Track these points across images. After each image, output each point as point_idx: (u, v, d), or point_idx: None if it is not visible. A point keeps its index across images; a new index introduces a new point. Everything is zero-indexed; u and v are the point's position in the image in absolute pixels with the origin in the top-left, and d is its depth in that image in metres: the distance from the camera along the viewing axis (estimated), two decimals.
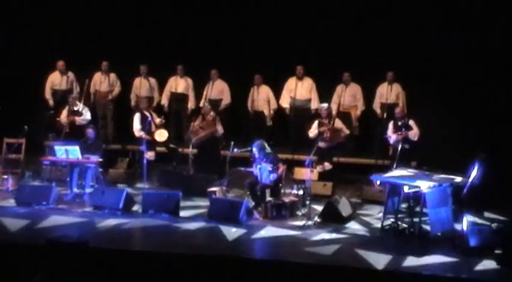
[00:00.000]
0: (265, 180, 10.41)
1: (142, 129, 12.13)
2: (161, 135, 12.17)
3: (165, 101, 13.60)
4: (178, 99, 13.57)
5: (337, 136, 11.68)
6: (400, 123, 11.35)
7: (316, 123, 11.87)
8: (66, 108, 12.54)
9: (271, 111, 13.26)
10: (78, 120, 12.36)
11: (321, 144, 11.46)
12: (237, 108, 13.52)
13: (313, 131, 11.80)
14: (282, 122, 13.41)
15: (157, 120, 12.29)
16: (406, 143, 11.20)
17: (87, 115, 12.46)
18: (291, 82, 13.18)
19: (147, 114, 12.32)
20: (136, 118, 12.28)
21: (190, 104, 13.48)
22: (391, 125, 11.48)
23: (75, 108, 12.45)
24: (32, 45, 13.88)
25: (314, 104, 13.01)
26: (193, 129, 12.09)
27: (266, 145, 10.70)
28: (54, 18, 13.95)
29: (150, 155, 11.84)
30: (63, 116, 12.45)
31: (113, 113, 13.69)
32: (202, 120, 12.21)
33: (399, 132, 11.27)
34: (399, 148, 11.01)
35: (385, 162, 11.65)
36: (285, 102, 13.23)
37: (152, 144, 12.09)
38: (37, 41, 13.88)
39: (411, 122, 11.31)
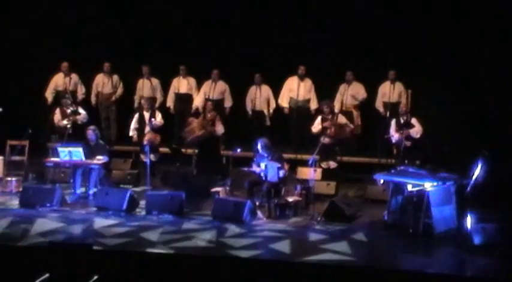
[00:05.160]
0: (272, 178, 10.26)
1: (137, 129, 12.33)
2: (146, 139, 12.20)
3: (170, 103, 13.60)
4: (182, 99, 13.56)
5: (342, 131, 11.66)
6: (402, 120, 11.33)
7: (319, 118, 11.86)
8: (58, 110, 12.60)
9: (270, 111, 13.26)
10: (80, 118, 12.47)
11: (325, 140, 11.43)
12: (238, 107, 13.51)
13: (316, 127, 11.79)
14: (283, 121, 13.38)
15: (158, 118, 12.35)
16: (408, 140, 11.21)
17: (83, 113, 12.57)
18: (292, 81, 13.15)
19: (146, 115, 12.37)
20: (134, 118, 12.50)
21: (194, 104, 13.49)
22: (393, 123, 11.47)
23: (69, 111, 12.48)
24: (35, 47, 13.91)
25: (313, 104, 13.00)
26: (189, 128, 12.06)
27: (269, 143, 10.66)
28: (58, 19, 13.99)
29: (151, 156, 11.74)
30: (58, 119, 12.51)
31: (115, 114, 13.73)
32: (203, 118, 12.19)
33: (401, 131, 11.26)
34: (402, 147, 11.04)
35: (389, 161, 11.64)
36: (285, 102, 13.21)
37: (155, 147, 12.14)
38: (41, 43, 13.90)
39: (413, 120, 11.30)
